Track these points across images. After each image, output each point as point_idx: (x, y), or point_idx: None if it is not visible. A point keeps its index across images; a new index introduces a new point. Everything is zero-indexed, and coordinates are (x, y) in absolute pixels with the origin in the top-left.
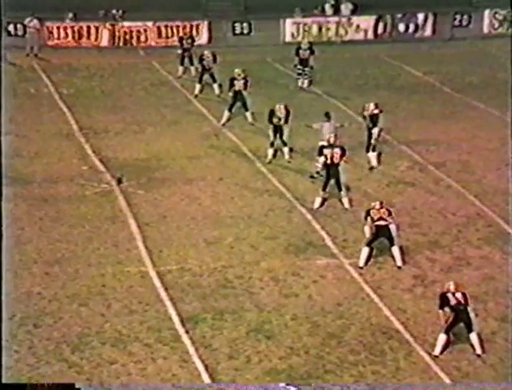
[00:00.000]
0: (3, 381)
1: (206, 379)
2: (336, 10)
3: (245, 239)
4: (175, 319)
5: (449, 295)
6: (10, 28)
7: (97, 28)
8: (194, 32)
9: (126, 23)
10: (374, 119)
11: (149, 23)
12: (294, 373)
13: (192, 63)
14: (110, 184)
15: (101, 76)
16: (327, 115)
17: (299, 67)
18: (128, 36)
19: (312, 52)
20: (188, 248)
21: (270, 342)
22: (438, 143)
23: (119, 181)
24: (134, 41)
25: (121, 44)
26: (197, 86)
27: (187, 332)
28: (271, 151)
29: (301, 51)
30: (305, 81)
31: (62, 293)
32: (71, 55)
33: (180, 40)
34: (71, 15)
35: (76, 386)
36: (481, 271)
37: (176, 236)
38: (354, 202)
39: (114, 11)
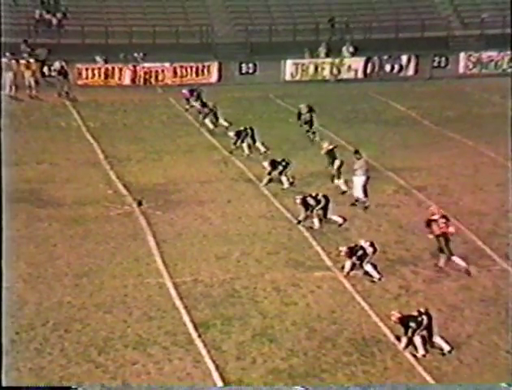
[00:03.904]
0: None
1: (216, 377)
2: (328, 54)
3: (250, 254)
4: (189, 325)
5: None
6: (45, 69)
7: (120, 69)
8: (206, 71)
9: (146, 64)
10: (331, 155)
11: (167, 64)
12: (294, 372)
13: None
14: (131, 206)
15: (123, 111)
16: (358, 153)
17: (305, 126)
18: (147, 76)
19: (311, 111)
20: (200, 262)
21: (272, 345)
22: (420, 169)
23: (140, 203)
24: (153, 80)
25: (141, 82)
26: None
27: (199, 336)
28: (268, 178)
29: (302, 117)
30: (312, 135)
31: (90, 302)
32: (97, 93)
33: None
34: (100, 58)
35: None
36: (458, 282)
37: (190, 251)
38: (346, 222)
39: (135, 54)
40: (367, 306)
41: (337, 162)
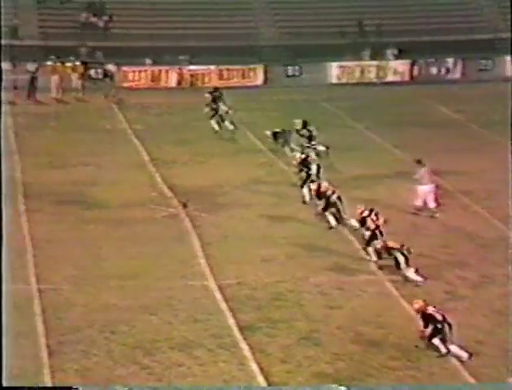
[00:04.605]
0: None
1: (261, 380)
2: (373, 57)
3: (295, 257)
4: (234, 328)
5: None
6: (92, 72)
7: (166, 72)
8: (252, 74)
9: (192, 67)
10: (305, 164)
11: (213, 67)
12: (339, 376)
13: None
14: (177, 208)
15: (169, 114)
16: (420, 162)
17: (306, 143)
18: (193, 79)
19: (306, 125)
20: (245, 264)
21: (318, 348)
22: (466, 173)
23: (185, 206)
24: (199, 83)
25: (187, 85)
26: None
27: (245, 339)
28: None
29: (300, 132)
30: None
31: (136, 304)
32: (143, 95)
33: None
34: (149, 60)
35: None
36: (505, 288)
37: (235, 253)
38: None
39: (181, 56)
40: (413, 311)
41: (304, 173)
